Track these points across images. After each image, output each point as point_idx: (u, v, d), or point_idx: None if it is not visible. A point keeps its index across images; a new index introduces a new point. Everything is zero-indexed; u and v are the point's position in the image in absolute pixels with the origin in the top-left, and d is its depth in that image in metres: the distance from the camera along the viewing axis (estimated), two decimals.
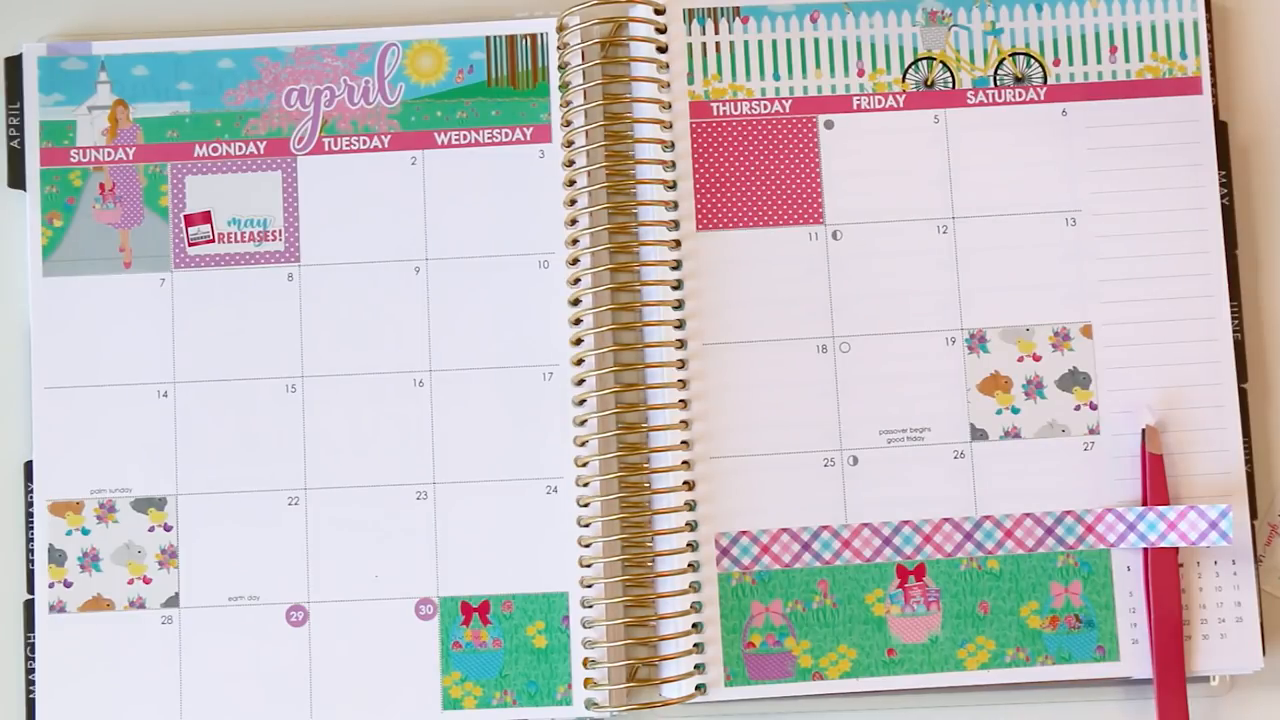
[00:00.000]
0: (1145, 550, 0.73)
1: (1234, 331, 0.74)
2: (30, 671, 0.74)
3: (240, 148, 0.76)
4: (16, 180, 0.76)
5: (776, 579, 0.73)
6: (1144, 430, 0.73)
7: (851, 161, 0.75)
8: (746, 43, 0.76)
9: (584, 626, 0.73)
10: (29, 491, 0.74)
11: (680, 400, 0.73)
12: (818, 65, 0.76)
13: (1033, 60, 0.76)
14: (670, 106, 0.75)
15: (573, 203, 0.75)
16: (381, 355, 0.75)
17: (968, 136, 0.75)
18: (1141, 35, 0.76)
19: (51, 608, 0.74)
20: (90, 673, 0.73)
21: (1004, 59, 0.76)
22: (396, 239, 0.75)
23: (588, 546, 0.73)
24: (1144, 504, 0.73)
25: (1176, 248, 0.75)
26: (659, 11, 0.76)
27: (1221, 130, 0.76)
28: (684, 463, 0.73)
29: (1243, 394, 0.74)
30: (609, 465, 0.73)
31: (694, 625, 0.73)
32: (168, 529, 0.74)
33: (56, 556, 0.74)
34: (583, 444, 0.73)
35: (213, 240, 0.76)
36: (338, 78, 0.76)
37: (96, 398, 0.75)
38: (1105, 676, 0.73)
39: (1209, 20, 0.76)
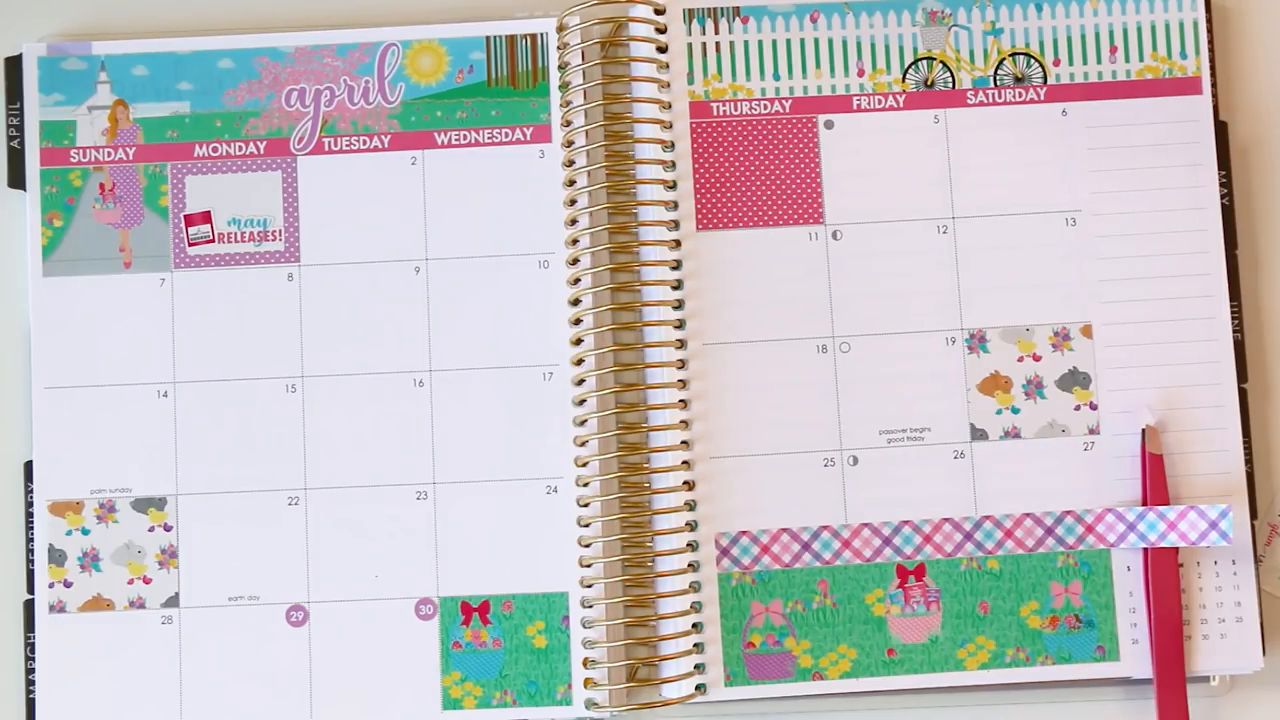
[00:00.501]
0: (1145, 550, 0.73)
1: (1234, 331, 0.74)
2: (30, 671, 0.74)
3: (240, 148, 0.76)
4: (16, 180, 0.76)
5: (776, 579, 0.73)
6: (1144, 430, 0.73)
7: (851, 161, 0.75)
8: (746, 43, 0.76)
9: (584, 626, 0.73)
10: (29, 491, 0.74)
11: (680, 400, 0.73)
12: (818, 65, 0.76)
13: (1033, 60, 0.76)
14: (670, 106, 0.75)
15: (573, 203, 0.75)
16: (381, 355, 0.75)
17: (968, 136, 0.75)
18: (1141, 35, 0.76)
19: (51, 608, 0.74)
20: (90, 673, 0.73)
21: (1004, 59, 0.76)
22: (396, 239, 0.75)
23: (588, 546, 0.73)
24: (1144, 504, 0.73)
25: (1176, 248, 0.75)
26: (659, 11, 0.76)
27: (1221, 130, 0.76)
28: (684, 463, 0.73)
29: (1243, 394, 0.74)
30: (609, 465, 0.73)
31: (694, 625, 0.73)
32: (168, 529, 0.74)
33: (56, 556, 0.74)
34: (583, 444, 0.73)
35: (213, 240, 0.76)
36: (338, 78, 0.76)
37: (96, 398, 0.75)
38: (1105, 676, 0.73)
39: (1209, 20, 0.76)
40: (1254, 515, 0.74)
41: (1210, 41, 0.76)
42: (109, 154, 0.76)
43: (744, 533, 0.73)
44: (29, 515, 0.74)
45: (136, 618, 0.74)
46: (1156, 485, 0.73)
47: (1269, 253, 0.77)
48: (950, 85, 0.76)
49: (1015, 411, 0.74)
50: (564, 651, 0.73)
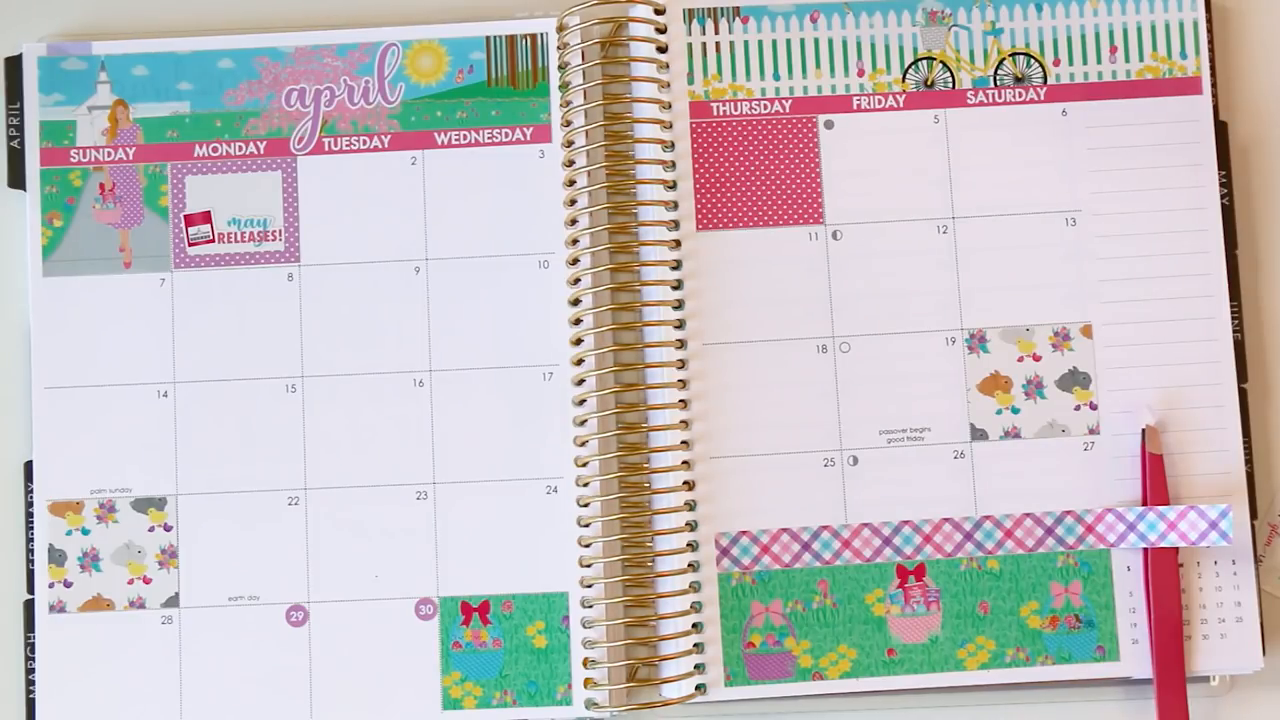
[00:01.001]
0: (1145, 550, 0.73)
1: (1234, 331, 0.74)
2: (30, 671, 0.74)
3: (240, 148, 0.76)
4: (16, 180, 0.76)
5: (776, 579, 0.73)
6: (1144, 430, 0.73)
7: (851, 161, 0.75)
8: (746, 43, 0.76)
9: (584, 626, 0.73)
10: (29, 491, 0.74)
11: (680, 400, 0.73)
12: (818, 65, 0.76)
13: (1033, 60, 0.76)
14: (670, 106, 0.75)
15: (573, 203, 0.75)
16: (381, 355, 0.75)
17: (968, 136, 0.75)
18: (1141, 35, 0.76)
19: (51, 608, 0.74)
20: (90, 673, 0.73)
21: (1004, 59, 0.76)
22: (396, 239, 0.75)
23: (588, 546, 0.73)
24: (1144, 504, 0.73)
25: (1176, 248, 0.75)
26: (659, 11, 0.76)
27: (1221, 130, 0.76)
28: (684, 463, 0.73)
29: (1243, 394, 0.74)
30: (609, 465, 0.73)
31: (694, 625, 0.73)
32: (168, 529, 0.74)
33: (56, 556, 0.74)
34: (583, 444, 0.73)
35: (213, 240, 0.76)
36: (338, 78, 0.76)
37: (96, 398, 0.75)
38: (1105, 676, 0.73)
39: (1209, 20, 0.76)
40: (1254, 515, 0.74)
41: (1210, 41, 0.76)
42: (109, 154, 0.76)
43: (744, 533, 0.73)
44: (29, 515, 0.74)
45: (136, 618, 0.74)
46: (1156, 485, 0.73)
47: (1269, 253, 0.77)
48: (950, 85, 0.76)
49: (1015, 411, 0.74)
50: (564, 651, 0.73)
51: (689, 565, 0.73)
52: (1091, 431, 0.74)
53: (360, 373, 0.75)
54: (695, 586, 0.73)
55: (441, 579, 0.74)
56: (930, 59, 0.76)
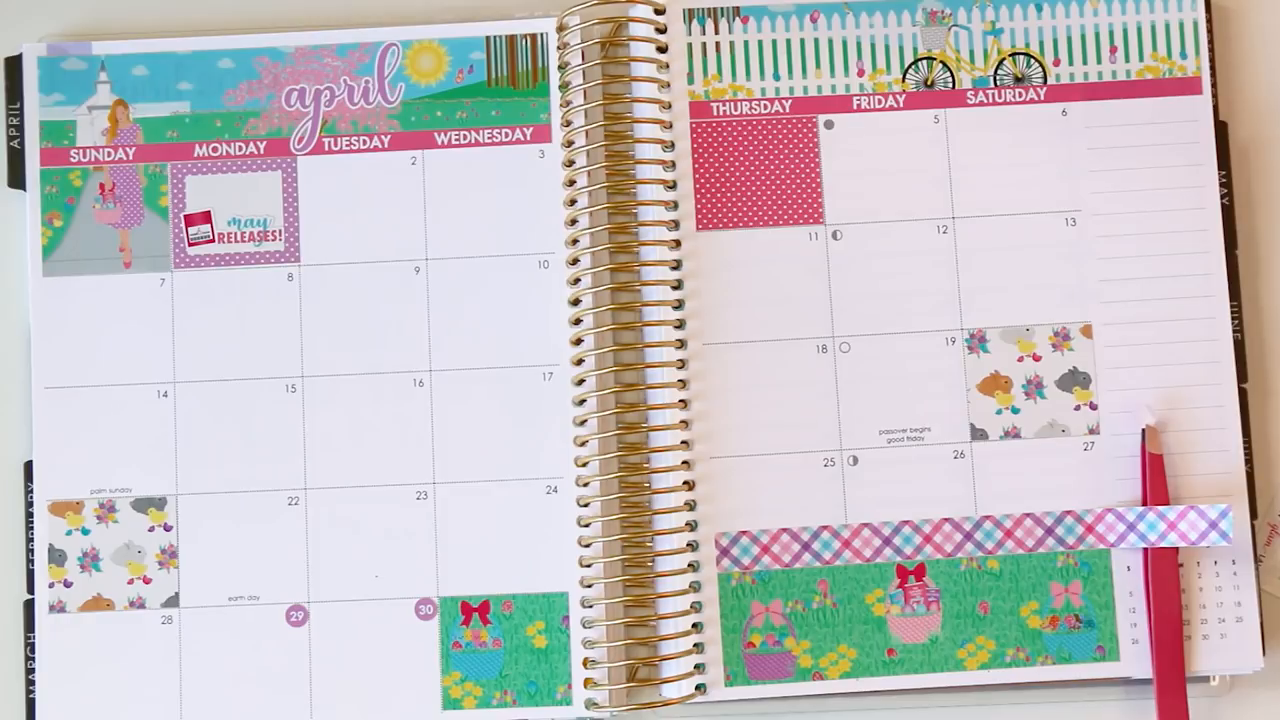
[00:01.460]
0: (1145, 550, 0.73)
1: (1234, 331, 0.74)
2: (30, 671, 0.74)
3: (240, 148, 0.76)
4: (16, 180, 0.76)
5: (776, 579, 0.73)
6: (1144, 430, 0.73)
7: (851, 161, 0.75)
8: (746, 43, 0.76)
9: (584, 626, 0.73)
10: (29, 491, 0.74)
11: (680, 400, 0.73)
12: (818, 65, 0.76)
13: (1033, 60, 0.76)
14: (670, 106, 0.75)
15: (573, 203, 0.75)
16: (381, 355, 0.75)
17: (968, 136, 0.75)
18: (1141, 35, 0.76)
19: (51, 608, 0.74)
20: (90, 673, 0.73)
21: (1004, 59, 0.76)
22: (396, 239, 0.75)
23: (588, 546, 0.73)
24: (1144, 504, 0.73)
25: (1176, 248, 0.75)
26: (659, 11, 0.76)
27: (1221, 130, 0.76)
28: (684, 463, 0.73)
29: (1243, 394, 0.74)
30: (609, 465, 0.73)
31: (694, 625, 0.73)
32: (168, 529, 0.74)
33: (56, 556, 0.74)
34: (583, 444, 0.73)
35: (213, 240, 0.76)
36: (338, 78, 0.76)
37: (96, 398, 0.75)
38: (1105, 676, 0.73)
39: (1209, 20, 0.76)
40: (1254, 515, 0.74)
41: (1210, 41, 0.76)
42: (109, 154, 0.76)
43: (744, 533, 0.73)
44: (29, 515, 0.74)
45: (136, 618, 0.74)
46: (1156, 485, 0.73)
47: (1269, 253, 0.77)
48: (950, 85, 0.76)
49: (1015, 411, 0.74)
50: (564, 651, 0.73)
51: (689, 565, 0.73)
52: (1091, 431, 0.74)
53: (360, 373, 0.75)
54: (695, 586, 0.73)
55: (441, 579, 0.74)
56: (930, 59, 0.76)
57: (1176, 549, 0.73)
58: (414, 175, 0.76)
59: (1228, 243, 0.75)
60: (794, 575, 0.73)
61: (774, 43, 0.76)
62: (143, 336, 0.75)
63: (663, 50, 0.75)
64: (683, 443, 0.73)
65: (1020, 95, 0.76)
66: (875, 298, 0.74)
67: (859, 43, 0.76)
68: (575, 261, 0.74)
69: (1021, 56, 0.76)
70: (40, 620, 0.74)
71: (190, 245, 0.76)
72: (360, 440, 0.74)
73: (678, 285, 0.74)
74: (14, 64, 0.77)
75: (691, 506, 0.73)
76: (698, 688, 0.72)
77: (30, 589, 0.74)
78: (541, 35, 0.76)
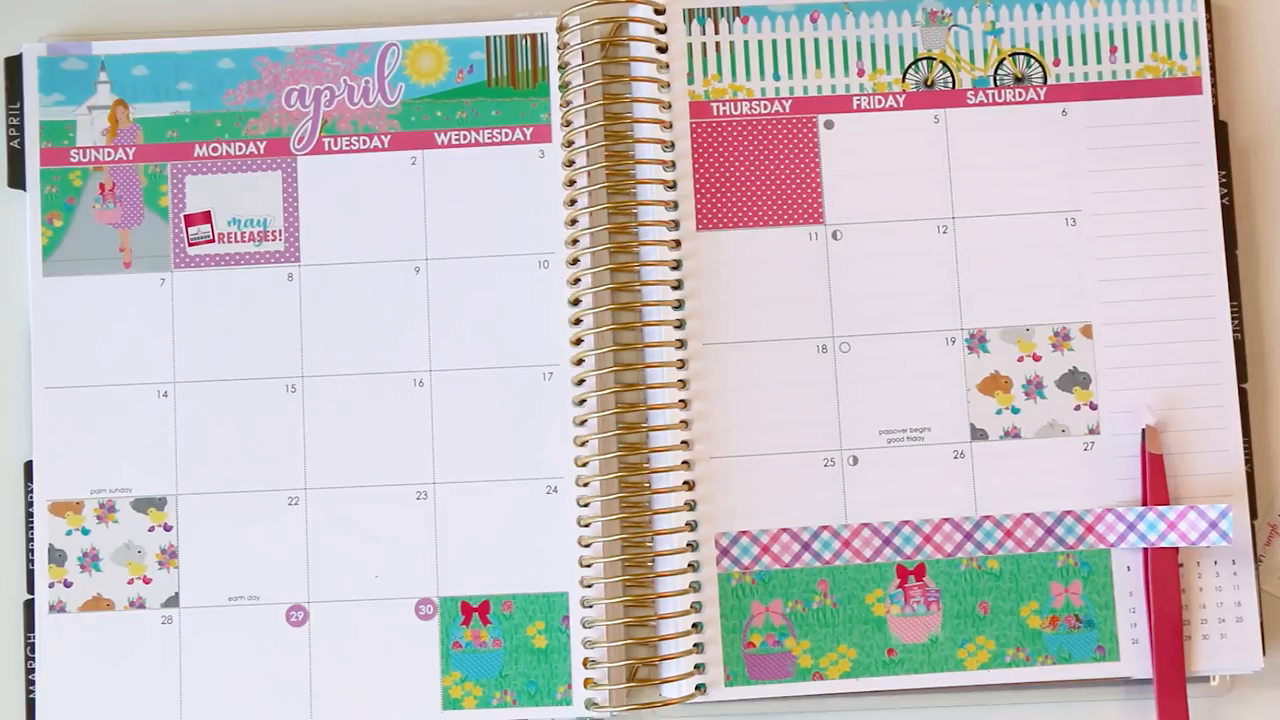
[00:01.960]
0: (1145, 550, 0.73)
1: (1234, 331, 0.74)
2: (30, 671, 0.74)
3: (240, 148, 0.76)
4: (16, 180, 0.76)
5: (776, 579, 0.73)
6: (1144, 430, 0.73)
7: (851, 161, 0.75)
8: (746, 43, 0.76)
9: (584, 626, 0.73)
10: (29, 491, 0.74)
11: (680, 400, 0.73)
12: (818, 65, 0.76)
13: (1033, 60, 0.76)
14: (670, 106, 0.75)
15: (573, 203, 0.75)
16: (381, 355, 0.75)
17: (968, 136, 0.75)
18: (1141, 35, 0.76)
19: (51, 608, 0.74)
20: (90, 673, 0.73)
21: (1004, 59, 0.76)
22: (396, 239, 0.75)
23: (588, 546, 0.73)
24: (1144, 504, 0.73)
25: (1176, 248, 0.75)
26: (659, 11, 0.76)
27: (1221, 130, 0.76)
28: (684, 463, 0.73)
29: (1243, 394, 0.74)
30: (609, 465, 0.73)
31: (694, 625, 0.73)
32: (168, 529, 0.74)
33: (56, 556, 0.74)
34: (583, 444, 0.73)
35: (213, 240, 0.76)
36: (338, 78, 0.76)
37: (96, 398, 0.75)
38: (1105, 676, 0.73)
39: (1209, 20, 0.76)
40: (1254, 515, 0.74)
41: (1210, 41, 0.76)
42: (109, 154, 0.76)
43: (744, 533, 0.73)
44: (29, 515, 0.74)
45: (136, 618, 0.74)
46: (1156, 485, 0.73)
47: (1269, 253, 0.77)
48: (950, 85, 0.76)
49: (1015, 411, 0.74)
50: (564, 651, 0.73)
51: (689, 565, 0.73)
52: (1091, 431, 0.74)
53: (360, 373, 0.75)
54: (695, 586, 0.73)
55: (441, 579, 0.74)
56: (930, 59, 0.76)
57: (1176, 549, 0.73)
58: (414, 175, 0.76)
59: (1228, 243, 0.75)
60: (794, 575, 0.73)
61: (774, 43, 0.76)
62: (143, 336, 0.75)
63: (663, 50, 0.75)
64: (683, 443, 0.73)
65: (1020, 95, 0.76)
66: (875, 298, 0.74)
67: (859, 43, 0.76)
68: (575, 261, 0.74)
69: (1021, 56, 0.76)
70: (40, 620, 0.74)
71: (190, 245, 0.76)
72: (360, 440, 0.74)
73: (678, 285, 0.74)
74: (14, 64, 0.77)
75: (691, 506, 0.73)
76: (698, 688, 0.72)
77: (30, 589, 0.74)
78: (541, 35, 0.76)
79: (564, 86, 0.75)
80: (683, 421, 0.73)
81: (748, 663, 0.73)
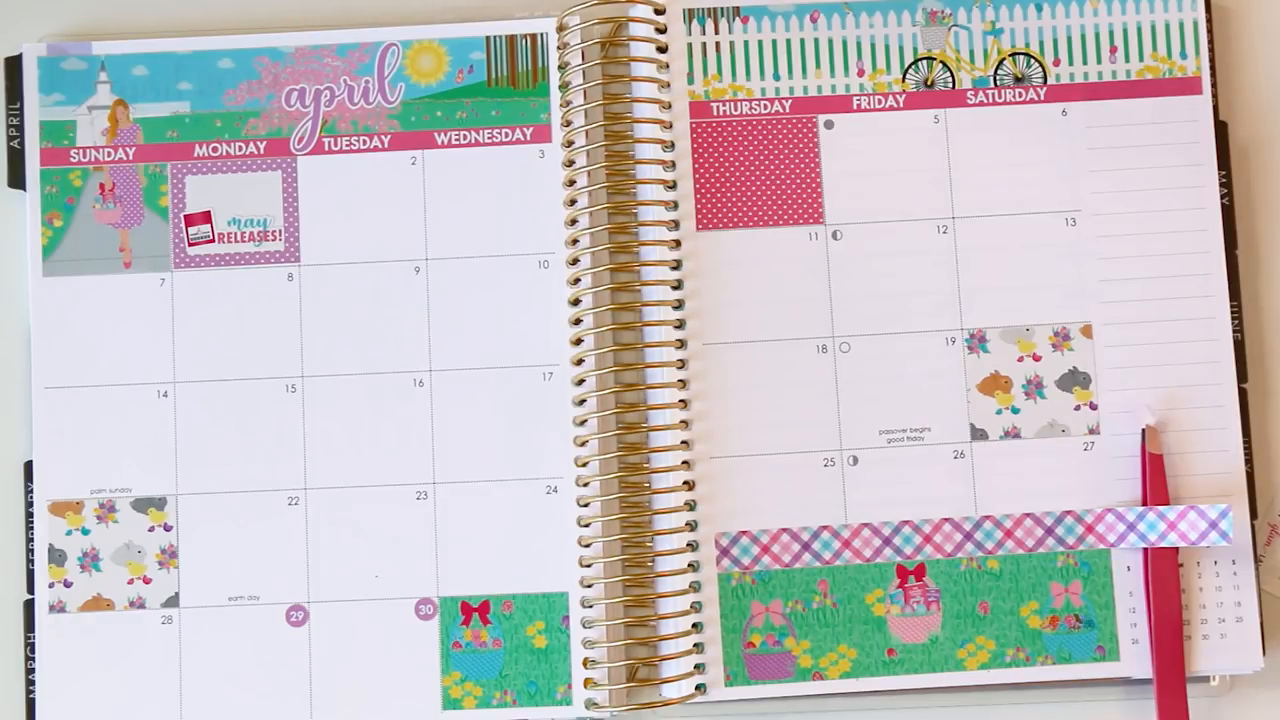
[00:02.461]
0: (1145, 550, 0.73)
1: (1234, 331, 0.74)
2: (30, 671, 0.74)
3: (240, 148, 0.76)
4: (16, 180, 0.76)
5: (776, 579, 0.73)
6: (1144, 430, 0.73)
7: (851, 161, 0.75)
8: (746, 43, 0.76)
9: (584, 626, 0.73)
10: (29, 491, 0.74)
11: (680, 400, 0.73)
12: (818, 65, 0.76)
13: (1033, 60, 0.76)
14: (670, 106, 0.75)
15: (573, 203, 0.75)
16: (381, 355, 0.75)
17: (968, 136, 0.75)
18: (1141, 35, 0.76)
19: (51, 608, 0.74)
20: (90, 673, 0.73)
21: (1004, 59, 0.76)
22: (396, 239, 0.75)
23: (588, 546, 0.73)
24: (1144, 504, 0.73)
25: (1176, 248, 0.75)
26: (659, 11, 0.76)
27: (1221, 130, 0.76)
28: (684, 463, 0.73)
29: (1243, 394, 0.74)
30: (609, 465, 0.73)
31: (694, 625, 0.73)
32: (168, 529, 0.74)
33: (56, 556, 0.74)
34: (583, 444, 0.73)
35: (213, 240, 0.76)
36: (338, 78, 0.76)
37: (96, 398, 0.75)
38: (1105, 676, 0.73)
39: (1209, 20, 0.76)
40: (1254, 515, 0.74)
41: (1210, 41, 0.76)
42: (109, 154, 0.76)
43: (744, 533, 0.73)
44: (29, 515, 0.74)
45: (136, 618, 0.74)
46: (1156, 485, 0.73)
47: (1269, 253, 0.77)
48: (950, 85, 0.76)
49: (1015, 411, 0.74)
50: (564, 651, 0.73)
51: (689, 565, 0.73)
52: (1091, 431, 0.74)
53: (360, 373, 0.75)
54: (695, 586, 0.73)
55: (441, 579, 0.74)
56: (930, 59, 0.76)
57: (1176, 549, 0.73)
58: (414, 175, 0.76)
59: (1228, 243, 0.75)
60: (794, 575, 0.73)
61: (774, 43, 0.76)
62: (143, 336, 0.75)
63: (663, 50, 0.75)
64: (683, 443, 0.73)
65: (1020, 95, 0.76)
66: (875, 298, 0.74)
67: (859, 43, 0.76)
68: (575, 261, 0.74)
69: (1021, 56, 0.76)
70: (40, 620, 0.74)
71: (190, 245, 0.76)
72: (360, 440, 0.74)
73: (678, 285, 0.74)
74: (14, 64, 0.77)
75: (691, 506, 0.73)
76: (698, 688, 0.72)
77: (30, 589, 0.74)
78: (541, 35, 0.76)
79: (564, 86, 0.75)
80: (683, 421, 0.73)
81: (748, 663, 0.73)
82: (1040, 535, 0.73)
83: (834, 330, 0.74)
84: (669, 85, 0.75)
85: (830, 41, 0.76)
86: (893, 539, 0.73)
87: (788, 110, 0.76)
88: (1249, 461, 0.74)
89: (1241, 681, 0.74)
